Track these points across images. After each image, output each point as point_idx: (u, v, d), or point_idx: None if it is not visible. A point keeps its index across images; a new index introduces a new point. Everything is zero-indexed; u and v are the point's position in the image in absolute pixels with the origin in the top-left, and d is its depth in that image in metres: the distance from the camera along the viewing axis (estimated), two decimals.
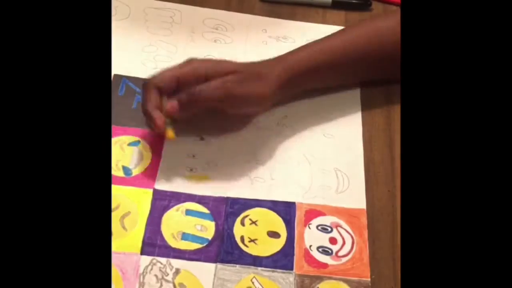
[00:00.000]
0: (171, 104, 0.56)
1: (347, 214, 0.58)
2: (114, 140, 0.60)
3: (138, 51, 0.68)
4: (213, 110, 0.58)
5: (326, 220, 0.57)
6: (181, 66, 0.58)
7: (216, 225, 0.56)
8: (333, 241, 0.56)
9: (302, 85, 0.62)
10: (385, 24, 0.62)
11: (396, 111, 0.66)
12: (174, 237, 0.55)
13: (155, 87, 0.56)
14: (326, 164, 0.61)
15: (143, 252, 0.53)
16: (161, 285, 0.52)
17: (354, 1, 0.75)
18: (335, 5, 0.75)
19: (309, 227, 0.57)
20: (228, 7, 0.74)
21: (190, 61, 0.58)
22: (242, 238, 0.55)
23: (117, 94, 0.64)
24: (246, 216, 0.57)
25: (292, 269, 0.54)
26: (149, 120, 0.56)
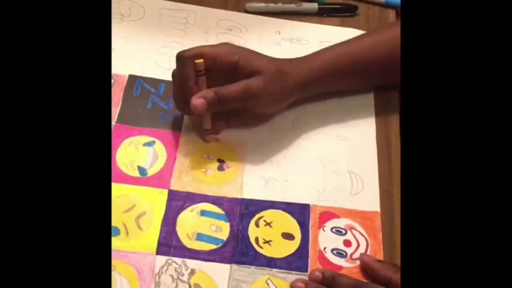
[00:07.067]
0: (199, 101, 0.56)
1: (361, 216, 0.58)
2: (129, 140, 0.61)
3: (153, 52, 0.68)
4: (237, 109, 0.59)
5: (340, 222, 0.57)
6: (216, 46, 0.59)
7: (231, 226, 0.56)
8: (347, 243, 0.56)
9: (324, 85, 0.63)
10: None
11: (393, 112, 0.66)
12: (189, 237, 0.55)
13: (194, 59, 0.56)
14: (340, 166, 0.61)
15: (158, 252, 0.54)
16: (177, 285, 0.52)
17: (340, 7, 0.75)
18: (321, 12, 0.75)
19: (323, 229, 0.57)
20: (224, 7, 0.74)
21: (225, 44, 0.59)
22: (256, 240, 0.55)
23: (132, 94, 0.64)
24: (261, 217, 0.57)
25: (306, 271, 0.54)
26: (187, 95, 0.57)
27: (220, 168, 0.60)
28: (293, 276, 0.53)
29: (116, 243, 0.53)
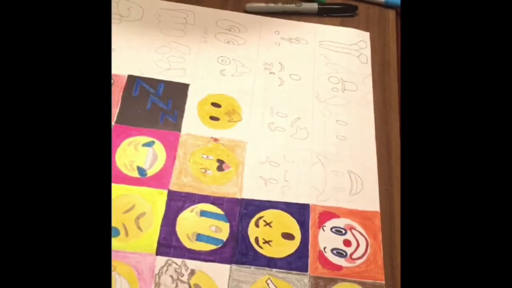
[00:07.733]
0: None
1: (361, 216, 0.58)
2: (128, 140, 0.61)
3: (152, 52, 0.68)
4: None
5: (340, 222, 0.57)
6: None
7: (231, 226, 0.56)
8: (347, 243, 0.56)
9: None
10: None
11: (393, 112, 0.66)
12: (189, 238, 0.55)
13: None
14: (340, 166, 0.61)
15: (158, 252, 0.54)
16: (177, 285, 0.52)
17: (340, 7, 0.75)
18: (321, 12, 0.75)
19: (323, 229, 0.57)
20: (224, 7, 0.74)
21: None
22: (256, 240, 0.55)
23: (132, 95, 0.64)
24: (261, 217, 0.57)
25: (306, 271, 0.54)
26: None
27: (220, 168, 0.60)
28: (293, 276, 0.54)
29: (116, 243, 0.53)
